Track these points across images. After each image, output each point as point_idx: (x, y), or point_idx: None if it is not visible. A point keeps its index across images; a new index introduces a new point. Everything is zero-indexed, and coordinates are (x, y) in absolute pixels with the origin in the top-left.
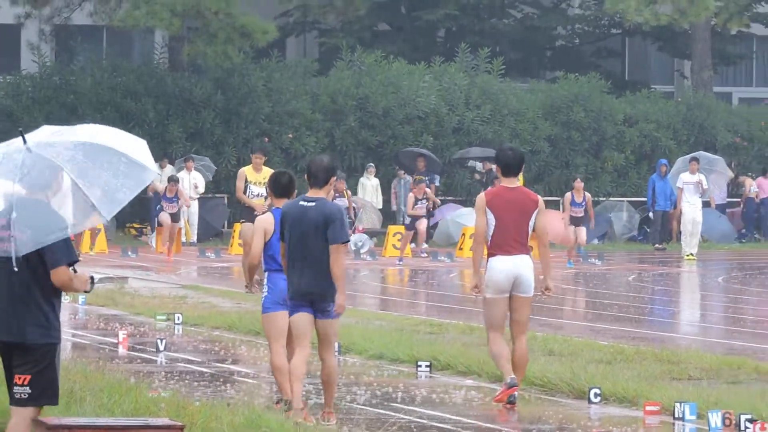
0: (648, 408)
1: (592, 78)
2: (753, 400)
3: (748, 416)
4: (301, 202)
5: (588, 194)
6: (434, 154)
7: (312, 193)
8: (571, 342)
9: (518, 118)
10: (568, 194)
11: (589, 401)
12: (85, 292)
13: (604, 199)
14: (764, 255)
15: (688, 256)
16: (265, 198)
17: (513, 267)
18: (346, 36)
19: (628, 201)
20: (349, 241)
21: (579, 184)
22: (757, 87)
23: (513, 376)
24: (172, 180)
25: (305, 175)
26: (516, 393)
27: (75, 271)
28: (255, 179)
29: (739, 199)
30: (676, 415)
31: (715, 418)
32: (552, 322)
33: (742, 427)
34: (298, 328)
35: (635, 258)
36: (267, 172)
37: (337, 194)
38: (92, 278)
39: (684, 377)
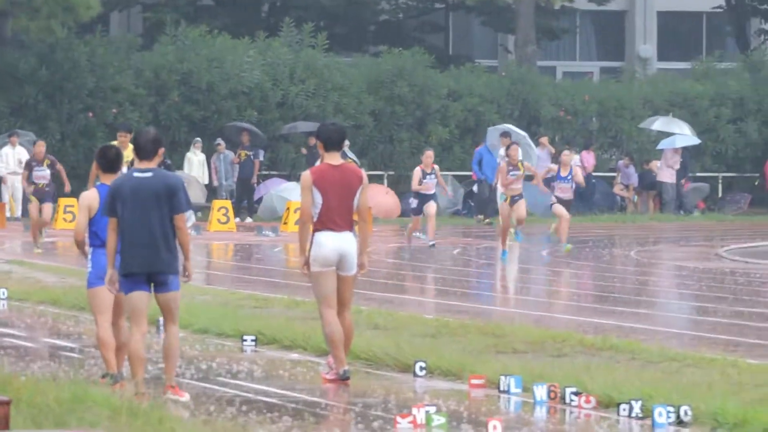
0: (473, 381)
1: (416, 52)
2: (578, 373)
3: (573, 389)
4: (136, 174)
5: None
6: (259, 129)
7: (143, 165)
8: (397, 316)
9: (342, 92)
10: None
11: (415, 374)
12: None
13: None
14: (588, 229)
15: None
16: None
17: (339, 243)
18: (169, 11)
19: (452, 175)
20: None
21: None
22: (581, 61)
23: (347, 367)
24: None
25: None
26: (348, 369)
27: None
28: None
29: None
30: (501, 388)
31: (540, 391)
32: (377, 296)
33: (567, 400)
34: (136, 306)
35: (459, 232)
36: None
37: None
38: None
39: (509, 350)
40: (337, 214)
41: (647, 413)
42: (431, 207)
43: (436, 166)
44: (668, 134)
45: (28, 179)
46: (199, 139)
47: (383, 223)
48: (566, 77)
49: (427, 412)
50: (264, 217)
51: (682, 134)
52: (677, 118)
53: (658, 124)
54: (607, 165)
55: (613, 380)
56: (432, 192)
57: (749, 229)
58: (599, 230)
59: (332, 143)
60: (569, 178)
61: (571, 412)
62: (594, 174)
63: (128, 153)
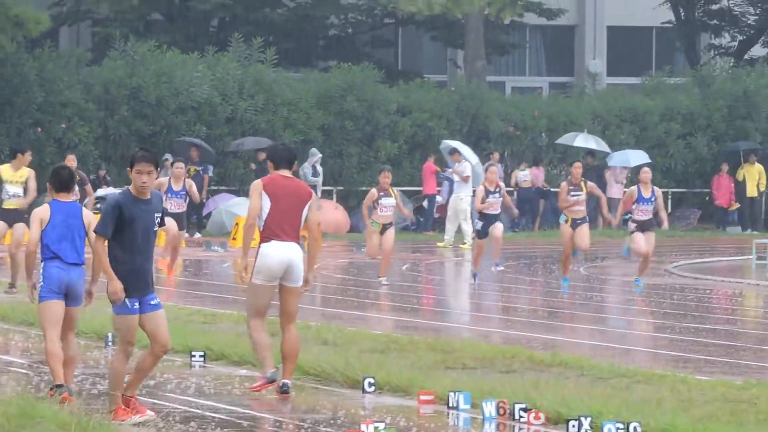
0: (422, 397)
1: (366, 68)
2: (527, 389)
3: (522, 405)
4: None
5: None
6: (208, 144)
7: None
8: (346, 332)
9: (291, 107)
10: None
11: (363, 390)
12: None
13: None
14: (537, 244)
15: (463, 244)
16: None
17: (285, 254)
18: (119, 26)
19: (400, 190)
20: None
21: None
22: (530, 76)
23: (274, 370)
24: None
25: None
26: (289, 382)
27: None
28: (11, 178)
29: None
30: (450, 404)
31: (489, 407)
32: (326, 311)
33: (516, 416)
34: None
35: (408, 247)
36: (25, 171)
37: None
38: None
39: (458, 366)
40: (285, 222)
41: (596, 430)
42: (498, 229)
43: (502, 184)
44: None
45: None
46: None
47: (332, 238)
48: (516, 92)
49: (376, 428)
50: (213, 232)
51: (634, 151)
52: (627, 133)
53: (579, 140)
54: (557, 180)
55: (562, 396)
56: (497, 212)
57: (699, 244)
58: (548, 246)
59: (283, 163)
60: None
61: (520, 429)
62: (547, 189)
63: (18, 175)
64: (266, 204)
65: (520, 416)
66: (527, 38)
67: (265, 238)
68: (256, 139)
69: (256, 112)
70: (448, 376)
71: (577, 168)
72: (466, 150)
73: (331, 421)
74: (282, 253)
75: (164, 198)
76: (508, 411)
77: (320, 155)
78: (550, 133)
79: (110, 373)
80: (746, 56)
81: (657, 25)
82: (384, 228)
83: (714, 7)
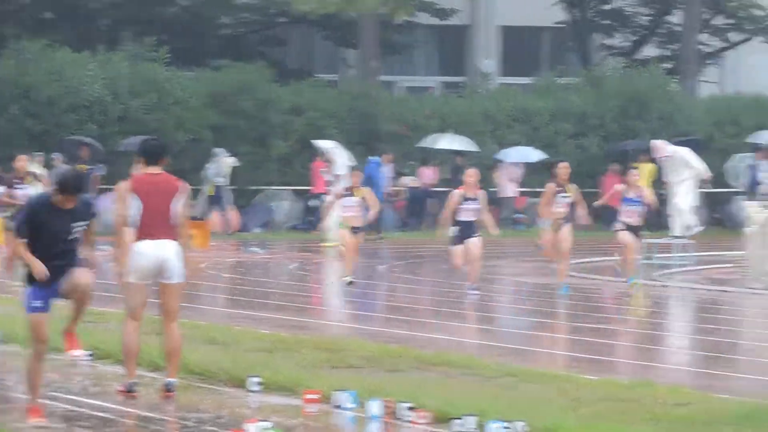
0: (307, 396)
1: (258, 67)
2: (412, 388)
3: (408, 404)
4: None
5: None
6: (99, 143)
7: None
8: (232, 330)
9: (183, 106)
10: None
11: (249, 390)
12: None
13: (266, 187)
14: (426, 244)
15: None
16: None
17: (158, 252)
18: (11, 24)
19: (292, 189)
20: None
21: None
22: (423, 76)
23: (135, 380)
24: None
25: None
26: (175, 381)
27: None
28: None
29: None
30: (336, 404)
31: (375, 406)
32: (213, 310)
33: (402, 415)
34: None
35: (297, 247)
36: None
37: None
38: None
39: (344, 366)
40: (156, 220)
41: (482, 429)
42: (475, 247)
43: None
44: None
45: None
46: (41, 153)
47: (222, 237)
48: (407, 92)
49: (261, 427)
50: (101, 231)
51: (525, 148)
52: (518, 134)
53: (443, 142)
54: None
55: (448, 395)
56: (473, 219)
57: (588, 244)
58: (437, 245)
59: (153, 158)
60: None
61: (405, 428)
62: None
63: None
64: (136, 204)
65: (406, 415)
66: (420, 38)
67: (138, 237)
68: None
69: (147, 111)
70: (333, 375)
71: (564, 168)
72: (338, 150)
73: (216, 420)
74: (155, 251)
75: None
76: (393, 410)
77: (226, 155)
78: (440, 133)
79: (25, 374)
80: (638, 56)
81: (549, 26)
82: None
83: (606, 7)
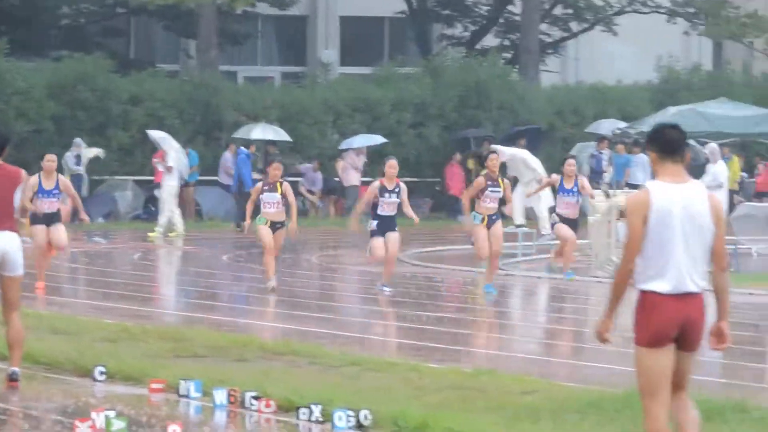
0: (153, 386)
1: (98, 57)
2: (258, 377)
3: (253, 393)
4: None
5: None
6: None
7: None
8: (77, 320)
9: (24, 97)
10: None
11: (94, 379)
12: None
13: (109, 177)
14: None
15: (171, 233)
16: None
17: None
18: None
19: (133, 180)
20: None
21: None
22: (262, 66)
23: (16, 369)
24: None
25: None
26: (18, 370)
27: None
28: None
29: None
30: (181, 393)
31: (221, 396)
32: (57, 300)
33: (247, 404)
34: None
35: (140, 236)
36: None
37: None
38: None
39: (189, 355)
40: None
41: (327, 417)
42: (394, 242)
43: (403, 185)
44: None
45: None
46: None
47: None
48: (248, 82)
49: (106, 416)
50: None
51: (364, 135)
52: (358, 123)
53: (256, 132)
54: (291, 169)
55: (293, 384)
56: (393, 213)
57: (430, 233)
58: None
59: None
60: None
61: (250, 417)
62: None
63: None
64: None
65: (251, 404)
66: (259, 28)
67: None
68: None
69: None
70: (179, 364)
71: (494, 160)
72: (169, 140)
73: (61, 410)
74: None
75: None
76: (238, 399)
77: (84, 145)
78: (282, 122)
79: None
80: (478, 46)
81: (389, 15)
82: (274, 227)
83: None
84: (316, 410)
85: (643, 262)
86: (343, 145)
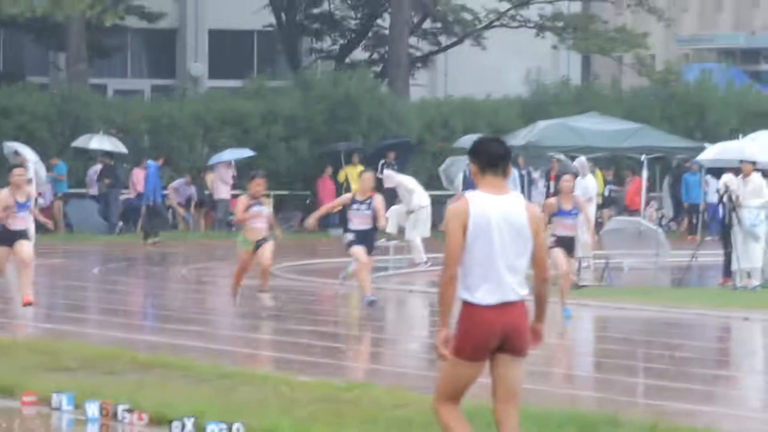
0: (25, 399)
1: None
2: (130, 390)
3: (126, 406)
4: None
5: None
6: None
7: None
8: None
9: None
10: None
11: None
12: None
13: None
14: (139, 246)
15: None
16: None
17: None
18: None
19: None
20: None
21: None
22: (132, 79)
23: None
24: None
25: None
26: None
27: None
28: None
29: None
30: (54, 406)
31: (93, 408)
32: None
33: (119, 417)
34: None
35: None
36: None
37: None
38: None
39: (60, 368)
40: None
41: (200, 430)
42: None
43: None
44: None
45: None
46: None
47: None
48: (118, 95)
49: None
50: None
51: (233, 148)
52: (228, 136)
53: (94, 142)
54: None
55: (165, 397)
56: (367, 227)
57: (300, 247)
58: (151, 248)
59: None
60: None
61: (123, 429)
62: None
63: None
64: None
65: (123, 417)
66: (129, 41)
67: None
68: None
69: None
70: (50, 377)
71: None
72: (26, 150)
73: None
74: None
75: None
76: (111, 412)
77: None
78: (152, 135)
79: None
80: (347, 60)
81: (259, 29)
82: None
83: (315, 11)
84: (189, 423)
85: (463, 271)
86: (213, 160)
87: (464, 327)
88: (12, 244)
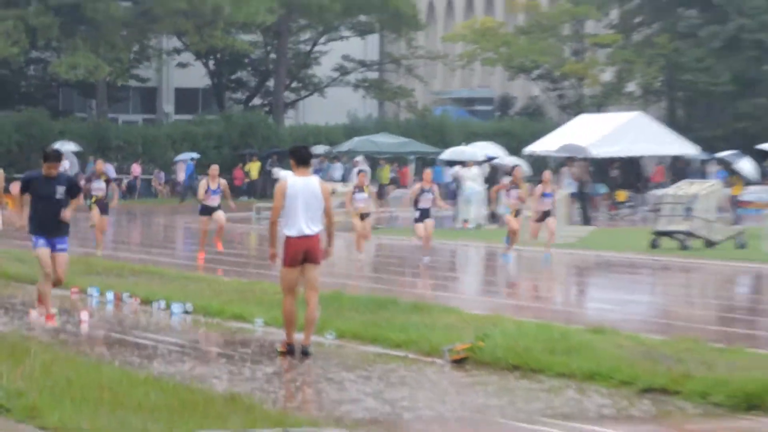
0: (72, 290)
1: None
2: (130, 285)
3: (128, 293)
4: None
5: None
6: None
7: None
8: None
9: None
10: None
11: None
12: None
13: None
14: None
15: None
16: None
17: None
18: None
19: None
20: None
21: (548, 176)
22: (133, 114)
23: None
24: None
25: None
26: None
27: None
28: None
29: None
30: (88, 294)
31: (110, 295)
32: None
33: (124, 300)
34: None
35: None
36: None
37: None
38: None
39: (93, 272)
40: None
41: (168, 306)
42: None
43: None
44: None
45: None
46: None
47: None
48: (124, 124)
49: None
50: None
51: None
52: (185, 147)
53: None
54: None
55: (150, 289)
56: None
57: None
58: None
59: None
60: (550, 195)
61: (126, 307)
62: None
63: None
64: None
65: (128, 300)
66: (130, 93)
67: None
68: None
69: None
70: (86, 278)
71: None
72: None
73: None
74: None
75: (206, 194)
76: (120, 297)
77: None
78: (143, 147)
79: (38, 291)
80: (250, 104)
81: (202, 87)
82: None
83: (233, 77)
84: (162, 303)
85: (283, 219)
86: (176, 159)
87: (285, 249)
88: (211, 214)
